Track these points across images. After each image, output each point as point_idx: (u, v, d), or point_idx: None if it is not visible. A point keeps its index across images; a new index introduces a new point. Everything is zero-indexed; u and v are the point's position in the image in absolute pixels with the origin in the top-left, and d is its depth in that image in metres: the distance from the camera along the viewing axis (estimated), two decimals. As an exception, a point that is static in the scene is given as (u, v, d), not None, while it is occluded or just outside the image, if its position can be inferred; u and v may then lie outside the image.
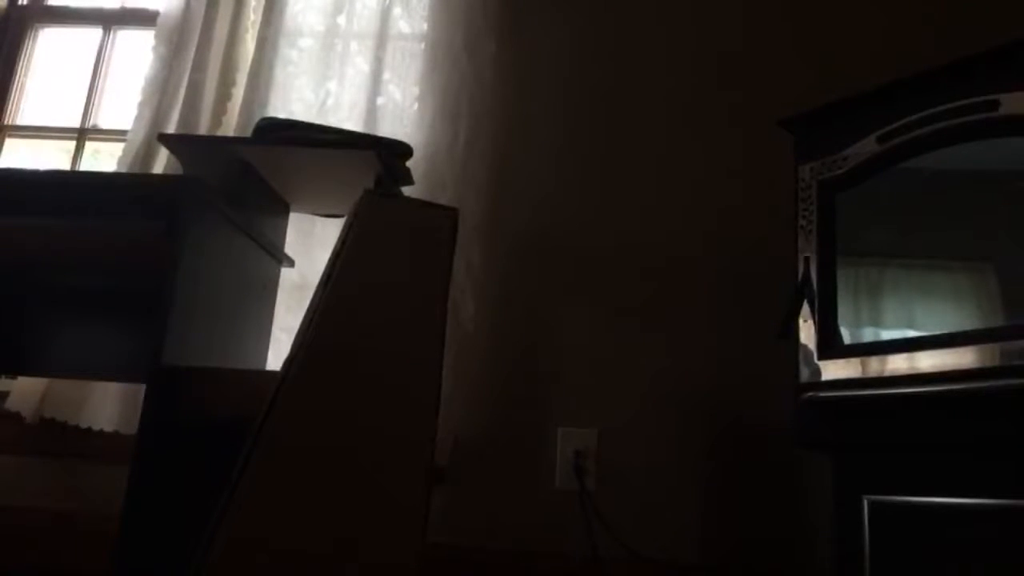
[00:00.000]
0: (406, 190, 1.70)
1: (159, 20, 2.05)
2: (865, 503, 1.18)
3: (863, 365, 1.18)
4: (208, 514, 1.07)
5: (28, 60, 2.30)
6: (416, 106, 1.94)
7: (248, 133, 1.75)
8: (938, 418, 1.11)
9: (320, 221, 1.90)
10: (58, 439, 1.83)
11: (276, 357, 1.72)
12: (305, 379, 1.14)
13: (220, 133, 1.92)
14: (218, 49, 1.99)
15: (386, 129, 1.91)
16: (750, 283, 1.76)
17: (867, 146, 1.27)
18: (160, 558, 1.26)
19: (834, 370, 1.22)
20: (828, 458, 1.26)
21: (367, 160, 1.55)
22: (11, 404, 1.83)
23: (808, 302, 1.28)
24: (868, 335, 1.29)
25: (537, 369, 1.78)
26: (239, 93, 1.96)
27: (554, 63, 1.98)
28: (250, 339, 1.63)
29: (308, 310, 1.21)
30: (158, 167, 1.90)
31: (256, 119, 1.73)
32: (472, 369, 1.77)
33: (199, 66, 1.95)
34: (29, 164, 2.21)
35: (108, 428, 1.79)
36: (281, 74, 1.98)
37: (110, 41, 2.28)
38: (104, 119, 2.23)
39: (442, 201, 1.70)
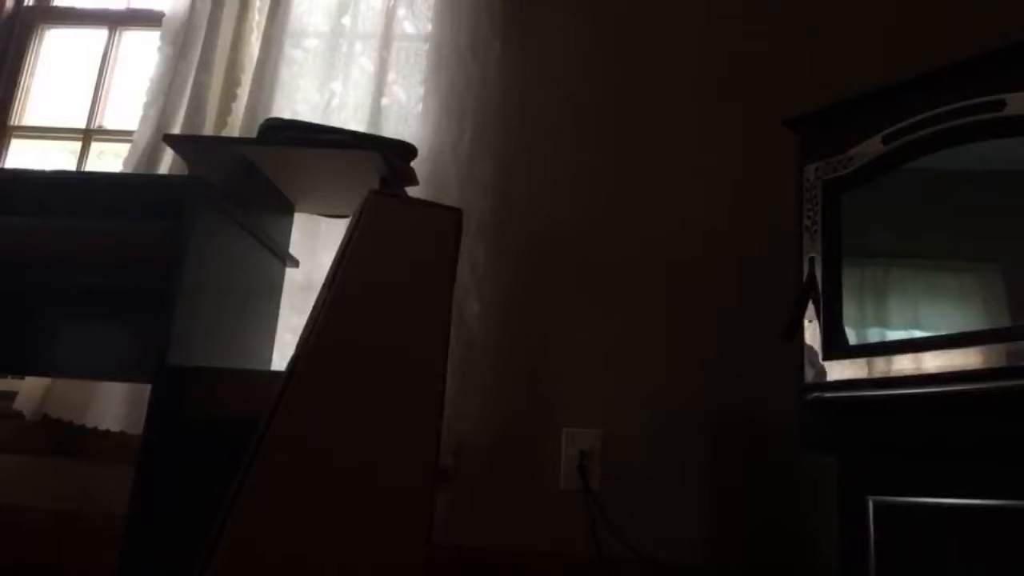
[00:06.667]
0: (411, 190, 1.71)
1: (164, 21, 2.05)
2: (870, 504, 1.18)
3: (868, 365, 1.18)
4: (213, 514, 1.07)
5: (34, 61, 2.31)
6: (421, 106, 1.94)
7: (253, 134, 1.75)
8: (943, 419, 1.10)
9: (325, 221, 1.90)
10: (64, 439, 1.83)
11: (281, 357, 1.72)
12: (309, 380, 1.14)
13: (225, 134, 1.92)
14: (223, 50, 1.99)
15: (391, 129, 1.91)
16: (755, 283, 1.76)
17: (872, 146, 1.27)
18: (165, 558, 1.26)
19: (839, 370, 1.21)
20: (833, 458, 1.26)
21: (372, 160, 1.55)
22: (18, 404, 1.83)
23: (813, 302, 1.27)
24: (873, 335, 1.28)
25: (542, 369, 1.78)
26: (244, 94, 1.96)
27: (559, 63, 1.98)
28: (255, 339, 1.64)
29: (313, 310, 1.21)
30: (163, 168, 1.91)
31: (261, 120, 1.74)
32: (477, 369, 1.77)
33: (204, 67, 1.95)
34: (35, 165, 2.22)
35: (114, 428, 1.80)
36: (286, 75, 1.98)
37: (115, 42, 2.29)
38: (109, 120, 2.23)
39: (447, 201, 1.71)
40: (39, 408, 1.82)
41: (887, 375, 1.15)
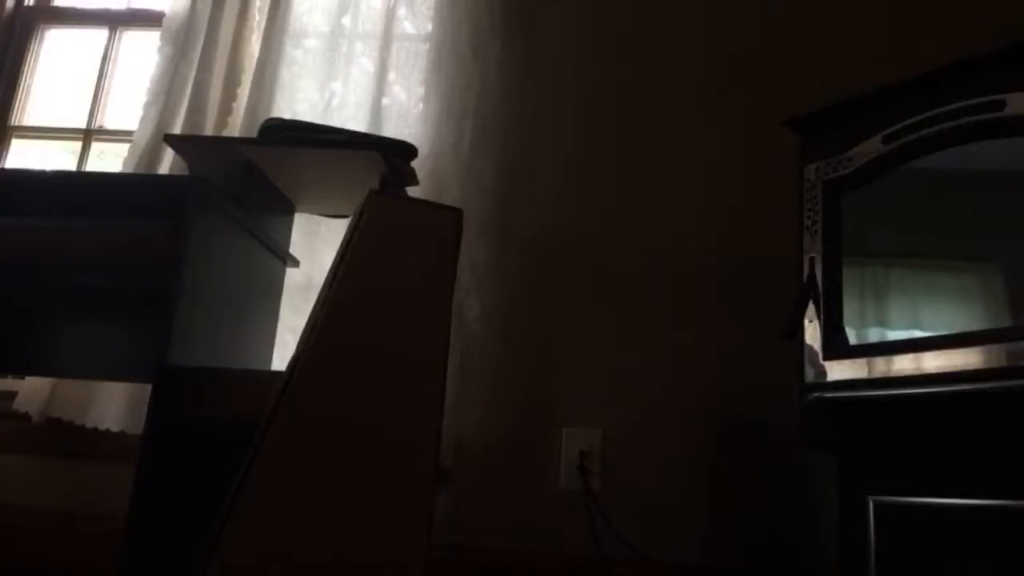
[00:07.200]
0: (411, 190, 1.71)
1: (164, 21, 2.05)
2: (870, 503, 1.18)
3: (868, 365, 1.18)
4: (213, 514, 1.07)
5: (34, 61, 2.31)
6: (421, 106, 1.94)
7: (253, 134, 1.75)
8: (943, 419, 1.10)
9: (325, 221, 1.90)
10: (64, 439, 1.83)
11: (281, 357, 1.73)
12: (309, 380, 1.14)
13: (225, 134, 1.92)
14: (223, 50, 1.99)
15: (391, 129, 1.91)
16: (755, 284, 1.75)
17: (872, 146, 1.27)
18: (165, 558, 1.26)
19: (839, 370, 1.21)
20: (833, 458, 1.26)
21: (372, 160, 1.55)
22: (19, 404, 1.83)
23: (813, 302, 1.27)
24: (874, 335, 1.28)
25: (542, 370, 1.78)
26: (244, 94, 1.96)
27: (560, 63, 1.98)
28: (255, 339, 1.64)
29: (313, 310, 1.21)
30: (163, 168, 1.91)
31: (261, 120, 1.74)
32: (477, 369, 1.77)
33: (204, 67, 1.95)
34: (35, 165, 2.22)
35: (114, 428, 1.80)
36: (286, 74, 1.98)
37: (116, 42, 2.29)
38: (110, 120, 2.24)
39: (447, 201, 1.71)
40: (41, 408, 1.81)
41: (887, 375, 1.15)
